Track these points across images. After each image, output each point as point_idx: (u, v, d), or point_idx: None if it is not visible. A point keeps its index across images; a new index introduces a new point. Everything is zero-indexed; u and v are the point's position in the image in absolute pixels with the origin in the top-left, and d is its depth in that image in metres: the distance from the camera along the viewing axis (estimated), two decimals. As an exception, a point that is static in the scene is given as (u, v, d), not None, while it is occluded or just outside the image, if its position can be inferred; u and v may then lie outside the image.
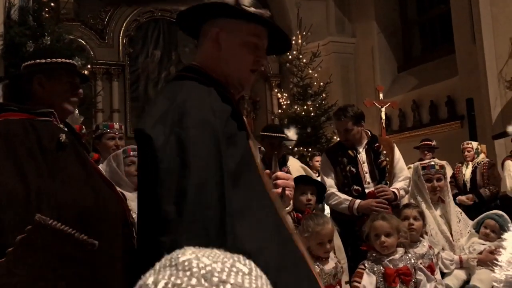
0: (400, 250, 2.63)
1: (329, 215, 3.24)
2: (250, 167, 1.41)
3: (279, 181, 1.54)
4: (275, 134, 3.83)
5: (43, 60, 1.88)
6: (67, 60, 1.92)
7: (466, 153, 5.51)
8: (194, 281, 0.54)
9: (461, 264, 3.01)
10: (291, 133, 5.17)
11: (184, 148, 1.25)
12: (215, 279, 0.55)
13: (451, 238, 3.13)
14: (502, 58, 6.69)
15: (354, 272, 2.67)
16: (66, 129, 1.87)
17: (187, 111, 1.30)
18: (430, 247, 2.88)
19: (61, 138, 1.72)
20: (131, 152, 2.94)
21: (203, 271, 0.56)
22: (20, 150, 1.63)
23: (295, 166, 3.85)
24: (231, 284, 0.55)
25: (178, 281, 0.54)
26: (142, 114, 1.54)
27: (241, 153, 1.38)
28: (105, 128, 3.50)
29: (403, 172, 3.36)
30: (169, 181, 1.23)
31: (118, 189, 2.39)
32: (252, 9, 1.46)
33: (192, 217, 1.20)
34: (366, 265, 2.61)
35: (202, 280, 0.55)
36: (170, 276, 0.56)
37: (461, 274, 3.00)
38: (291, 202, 1.64)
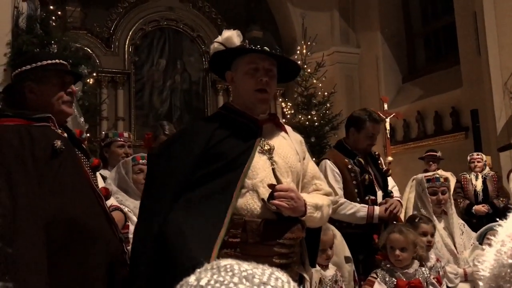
0: (415, 264, 2.61)
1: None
2: (231, 173, 1.72)
3: (275, 193, 1.71)
4: None
5: (28, 66, 1.85)
6: (53, 61, 1.89)
7: (476, 163, 5.49)
8: (236, 279, 0.57)
9: (466, 278, 2.99)
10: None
11: (164, 160, 1.83)
12: (256, 280, 0.57)
13: (455, 251, 3.10)
14: (507, 69, 6.68)
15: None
16: (65, 134, 1.85)
17: (177, 137, 1.94)
18: (437, 259, 2.86)
19: (55, 145, 1.70)
20: (140, 160, 2.95)
21: (244, 273, 0.59)
22: (11, 159, 1.62)
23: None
24: (272, 286, 0.57)
25: (221, 278, 0.58)
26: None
27: (225, 162, 1.73)
28: (114, 136, 3.53)
29: (391, 181, 3.37)
30: (148, 182, 1.86)
31: (112, 201, 2.38)
32: (236, 46, 1.85)
33: (147, 211, 1.79)
34: (378, 274, 2.59)
35: (244, 280, 0.57)
36: (212, 275, 0.59)
37: (466, 288, 2.98)
38: (304, 209, 1.78)
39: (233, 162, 1.73)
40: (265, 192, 1.72)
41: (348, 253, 2.87)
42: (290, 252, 1.78)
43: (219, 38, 1.86)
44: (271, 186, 1.72)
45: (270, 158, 1.79)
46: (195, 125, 1.93)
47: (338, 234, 2.82)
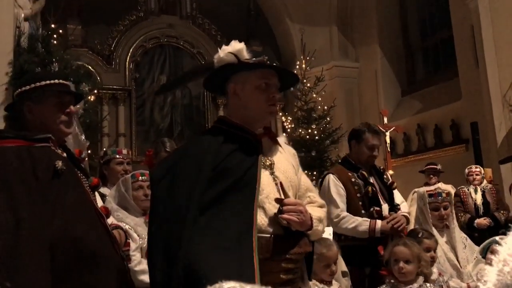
0: (420, 279, 2.59)
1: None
2: (244, 189, 1.71)
3: (284, 208, 1.71)
4: None
5: (28, 87, 1.86)
6: (52, 81, 1.89)
7: (475, 176, 5.48)
8: None
9: (470, 292, 2.97)
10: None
11: (174, 183, 1.72)
12: None
13: (458, 266, 3.08)
14: (505, 82, 6.71)
15: None
16: (64, 154, 1.86)
17: (184, 156, 1.81)
18: (440, 274, 2.85)
19: (57, 166, 1.71)
20: (140, 177, 2.95)
21: None
22: (13, 180, 1.63)
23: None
24: None
25: None
26: None
27: (233, 180, 1.70)
28: (113, 154, 3.54)
29: (399, 196, 3.35)
30: (158, 207, 1.74)
31: (111, 220, 2.38)
32: (252, 60, 1.85)
33: (161, 233, 1.67)
34: None
35: None
36: None
37: (470, 302, 2.95)
38: (311, 223, 1.79)
39: (242, 180, 1.72)
40: (271, 208, 1.72)
41: (344, 267, 2.86)
42: (296, 268, 1.79)
43: (230, 49, 1.82)
44: (278, 201, 1.73)
45: (272, 173, 1.81)
46: (199, 143, 1.84)
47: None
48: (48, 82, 1.87)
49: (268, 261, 1.68)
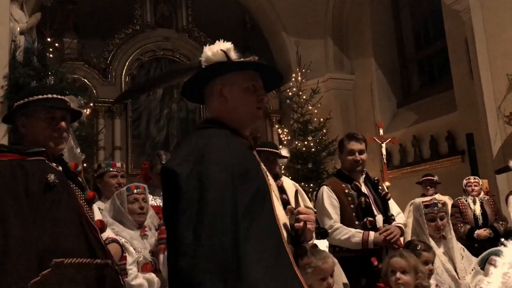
0: None
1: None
2: (265, 198, 1.56)
3: (301, 216, 1.64)
4: (271, 150, 3.85)
5: (21, 101, 1.87)
6: (44, 96, 1.88)
7: (473, 187, 5.49)
8: None
9: (468, 303, 2.95)
10: (285, 151, 5.48)
11: (204, 183, 1.45)
12: None
13: (456, 277, 3.06)
14: (500, 93, 6.75)
15: None
16: (60, 167, 1.84)
17: (207, 152, 1.53)
18: (437, 285, 2.83)
19: (49, 179, 1.70)
20: (135, 190, 2.94)
21: None
22: (4, 193, 1.61)
23: (288, 183, 3.81)
24: None
25: None
26: (169, 159, 1.77)
27: (257, 185, 1.55)
28: (107, 167, 3.52)
29: (396, 207, 3.35)
30: (190, 210, 1.41)
31: (108, 233, 2.35)
32: (241, 59, 1.73)
33: (210, 242, 1.36)
34: None
35: None
36: None
37: (468, 314, 2.93)
38: (313, 235, 1.76)
39: (261, 184, 1.59)
40: (281, 216, 1.62)
41: (345, 279, 2.85)
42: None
43: (220, 47, 1.71)
44: (291, 210, 1.68)
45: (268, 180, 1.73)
46: (216, 138, 1.61)
47: (335, 260, 2.80)
48: (40, 97, 1.87)
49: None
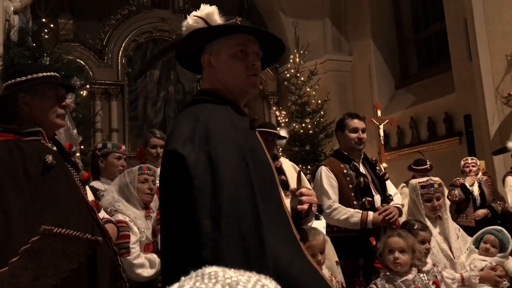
0: (414, 270, 2.59)
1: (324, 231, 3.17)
2: (271, 180, 1.48)
3: (304, 198, 1.58)
4: (270, 130, 3.85)
5: (23, 78, 1.82)
6: (49, 73, 1.87)
7: (471, 168, 5.48)
8: (218, 287, 0.55)
9: (463, 282, 2.98)
10: (283, 132, 5.52)
11: (215, 164, 1.31)
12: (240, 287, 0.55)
13: (452, 256, 3.09)
14: (498, 74, 6.73)
15: None
16: (54, 147, 1.83)
17: (212, 130, 1.39)
18: (434, 264, 2.86)
19: (47, 160, 1.69)
20: (146, 170, 2.96)
21: (228, 280, 0.56)
22: (3, 175, 1.60)
23: (287, 164, 3.83)
24: None
25: (203, 286, 0.55)
26: (167, 137, 1.54)
27: (262, 166, 1.46)
28: (113, 148, 3.53)
29: (393, 188, 3.37)
30: (203, 196, 1.28)
31: (103, 214, 2.35)
32: (222, 24, 1.56)
33: (230, 229, 1.25)
34: (378, 284, 2.57)
35: (227, 287, 0.55)
36: (195, 282, 0.56)
37: (463, 293, 2.96)
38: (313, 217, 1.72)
39: (266, 164, 1.52)
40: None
41: (336, 257, 2.88)
42: None
43: (198, 13, 1.56)
44: (293, 191, 1.61)
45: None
46: (216, 116, 1.48)
47: (327, 238, 2.82)
48: (45, 74, 1.85)
49: None
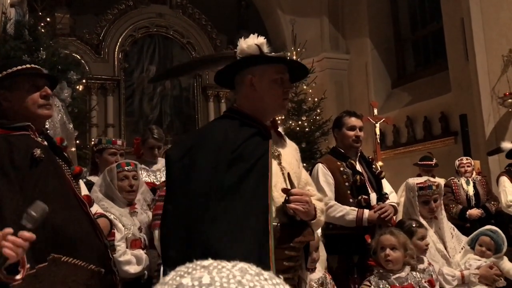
0: (407, 268, 2.60)
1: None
2: (258, 180, 1.74)
3: (291, 197, 1.78)
4: None
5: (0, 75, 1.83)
6: (23, 66, 1.86)
7: (466, 168, 5.51)
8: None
9: (463, 280, 2.98)
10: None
11: (190, 166, 1.72)
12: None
13: (447, 255, 3.10)
14: (494, 74, 6.76)
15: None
16: (45, 142, 1.84)
17: (202, 139, 1.81)
18: (429, 263, 2.87)
19: (35, 153, 1.69)
20: (125, 167, 2.92)
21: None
22: None
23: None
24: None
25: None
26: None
27: (249, 168, 1.73)
28: (108, 144, 3.49)
29: (389, 186, 3.38)
30: (173, 187, 1.75)
31: (96, 208, 2.35)
32: (272, 54, 1.95)
33: (178, 212, 1.67)
34: (371, 281, 2.58)
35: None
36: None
37: (461, 291, 2.98)
38: (315, 213, 1.88)
39: (255, 167, 1.76)
40: (278, 197, 1.80)
41: (325, 254, 2.93)
42: (297, 256, 1.87)
43: (254, 41, 1.90)
44: (285, 190, 1.80)
45: (279, 164, 1.89)
46: (217, 129, 1.87)
47: (319, 236, 2.84)
48: (19, 67, 1.84)
49: (274, 249, 1.72)
